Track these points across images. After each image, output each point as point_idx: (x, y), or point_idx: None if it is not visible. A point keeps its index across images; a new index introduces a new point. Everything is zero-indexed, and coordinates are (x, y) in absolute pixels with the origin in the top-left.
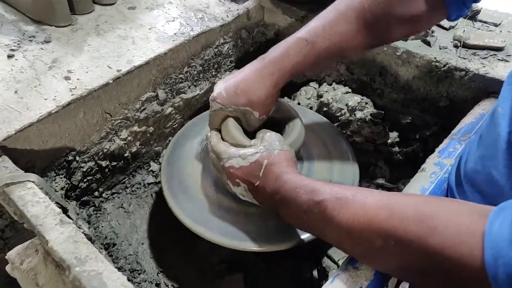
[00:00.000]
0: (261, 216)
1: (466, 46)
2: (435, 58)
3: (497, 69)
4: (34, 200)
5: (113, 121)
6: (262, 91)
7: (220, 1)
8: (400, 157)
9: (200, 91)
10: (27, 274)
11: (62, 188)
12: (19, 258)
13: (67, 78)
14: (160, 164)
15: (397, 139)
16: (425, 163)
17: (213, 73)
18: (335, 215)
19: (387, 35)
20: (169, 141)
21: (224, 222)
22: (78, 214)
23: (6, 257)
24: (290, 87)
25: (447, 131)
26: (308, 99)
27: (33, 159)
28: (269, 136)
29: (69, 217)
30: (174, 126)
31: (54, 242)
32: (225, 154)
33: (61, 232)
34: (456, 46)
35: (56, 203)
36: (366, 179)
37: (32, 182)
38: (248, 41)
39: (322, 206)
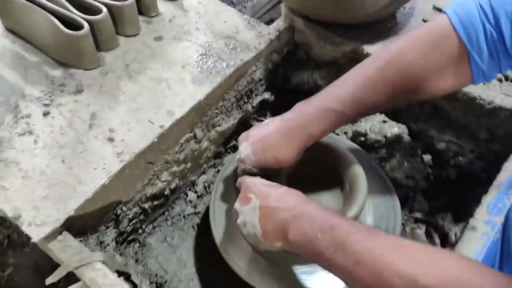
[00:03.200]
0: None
1: (509, 79)
2: (479, 96)
3: None
4: (107, 283)
5: (154, 168)
6: (290, 153)
7: (249, 23)
8: (434, 184)
9: (234, 120)
10: None
11: (113, 240)
12: None
13: (110, 139)
14: (196, 192)
15: (431, 163)
16: (474, 219)
17: (245, 100)
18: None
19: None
20: (204, 169)
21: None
22: (138, 273)
23: None
24: None
25: (483, 160)
26: None
27: (86, 222)
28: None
29: (133, 282)
30: (209, 156)
31: None
32: None
33: None
34: (500, 80)
35: (117, 271)
36: (405, 211)
37: (99, 261)
38: (278, 62)
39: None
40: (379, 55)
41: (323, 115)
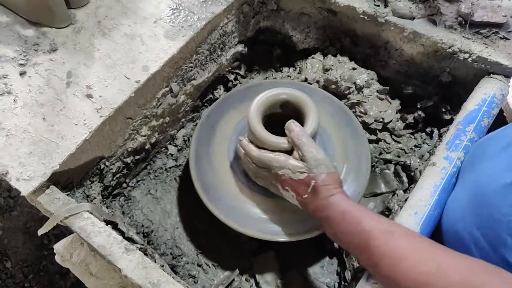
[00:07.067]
0: (288, 208)
1: (470, 23)
2: (441, 40)
3: (498, 49)
4: (95, 230)
5: (134, 123)
6: None
7: None
8: (402, 127)
9: (209, 73)
10: (79, 265)
11: (99, 193)
12: (67, 251)
13: (89, 96)
14: (176, 146)
15: (399, 107)
16: (434, 156)
17: (219, 53)
18: (382, 249)
19: None
20: (182, 122)
21: (254, 215)
22: (124, 222)
23: (54, 250)
24: (294, 57)
25: (446, 102)
26: (315, 73)
27: (71, 176)
28: (314, 158)
29: (120, 231)
30: (186, 109)
31: (127, 270)
32: (276, 163)
33: (129, 259)
34: (460, 24)
35: (105, 220)
36: (375, 153)
37: (87, 211)
38: (249, 13)
39: (368, 236)
40: None
41: None
